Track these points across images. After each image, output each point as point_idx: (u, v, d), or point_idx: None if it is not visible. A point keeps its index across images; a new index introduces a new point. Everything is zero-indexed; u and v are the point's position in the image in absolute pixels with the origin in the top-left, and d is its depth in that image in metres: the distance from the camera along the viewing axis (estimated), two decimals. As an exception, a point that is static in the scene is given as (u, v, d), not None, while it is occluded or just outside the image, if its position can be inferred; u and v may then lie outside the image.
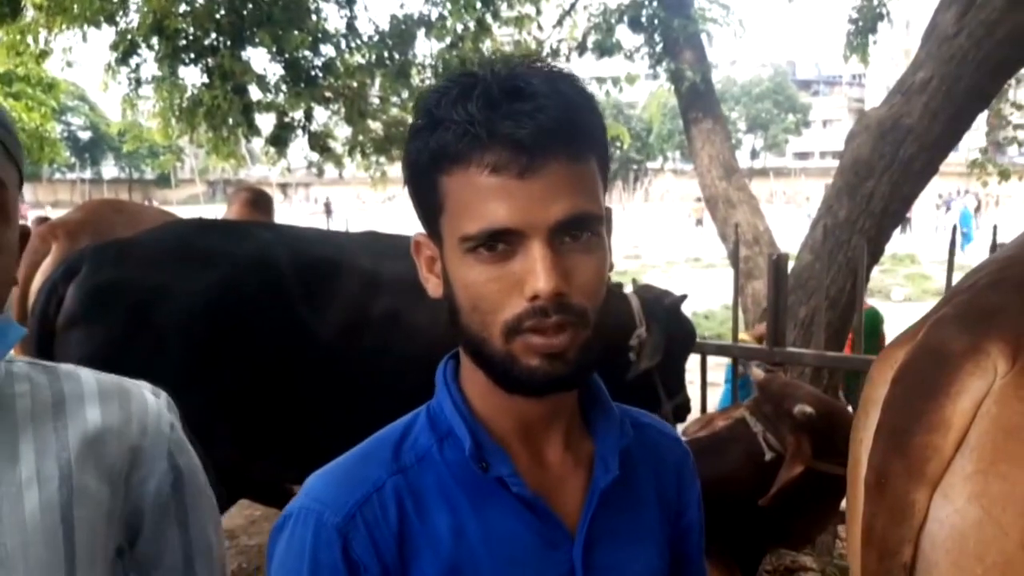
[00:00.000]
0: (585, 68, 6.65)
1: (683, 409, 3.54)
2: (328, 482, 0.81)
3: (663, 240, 25.78)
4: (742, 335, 4.39)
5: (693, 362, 3.94)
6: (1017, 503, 0.89)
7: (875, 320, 5.06)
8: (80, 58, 6.73)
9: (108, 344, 2.13)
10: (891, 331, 7.24)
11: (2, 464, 0.81)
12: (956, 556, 0.94)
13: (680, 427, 3.74)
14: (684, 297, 3.52)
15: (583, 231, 0.76)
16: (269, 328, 2.30)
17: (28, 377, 0.87)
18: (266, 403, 2.30)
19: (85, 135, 44.34)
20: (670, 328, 3.30)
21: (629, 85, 6.21)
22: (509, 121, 0.73)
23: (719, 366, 5.03)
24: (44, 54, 6.26)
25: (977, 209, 28.47)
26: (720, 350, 4.05)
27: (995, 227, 3.35)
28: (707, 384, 3.96)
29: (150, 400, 0.95)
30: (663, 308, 3.33)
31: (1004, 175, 6.32)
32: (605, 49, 5.98)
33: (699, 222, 28.80)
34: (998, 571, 0.90)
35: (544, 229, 0.73)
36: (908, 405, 0.99)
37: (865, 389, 1.16)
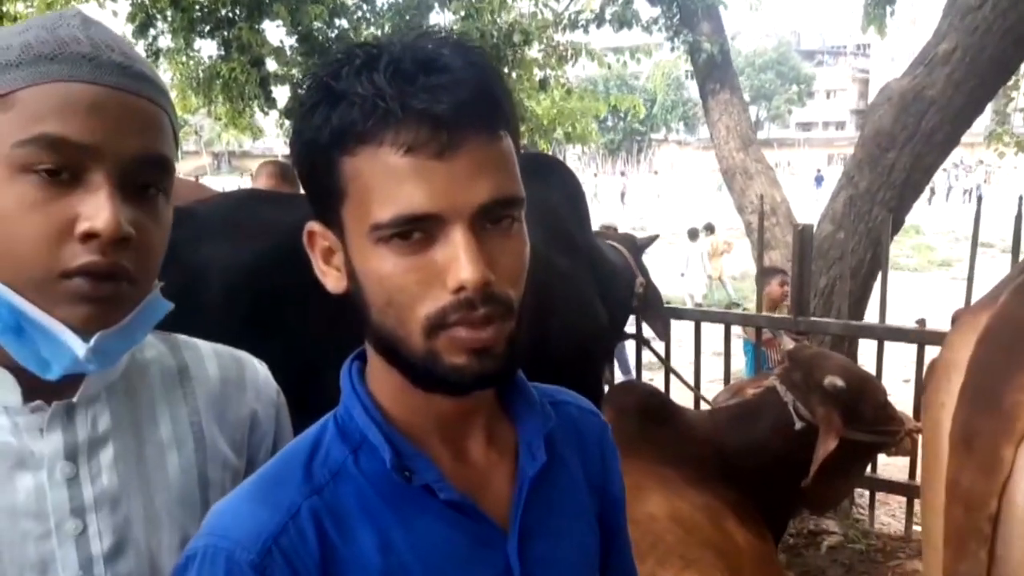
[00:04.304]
0: (602, 39, 6.63)
1: None
2: (236, 515, 0.72)
3: (668, 212, 25.75)
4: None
5: (716, 331, 4.01)
6: (1106, 456, 0.94)
7: None
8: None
9: None
10: (901, 300, 7.29)
11: (146, 426, 0.84)
12: None
13: (712, 395, 3.81)
14: (656, 237, 3.77)
15: (505, 215, 0.70)
16: (318, 299, 2.33)
17: (154, 345, 0.90)
18: (318, 374, 2.34)
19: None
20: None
21: (647, 57, 6.20)
22: (425, 95, 0.65)
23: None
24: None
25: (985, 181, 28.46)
26: (745, 320, 4.11)
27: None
28: (731, 354, 4.01)
29: (259, 367, 0.98)
30: (641, 252, 3.50)
31: (1021, 146, 6.34)
32: (623, 21, 5.95)
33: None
34: None
35: (467, 214, 0.66)
36: (996, 365, 1.04)
37: (942, 354, 1.21)
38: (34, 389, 0.76)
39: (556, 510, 0.82)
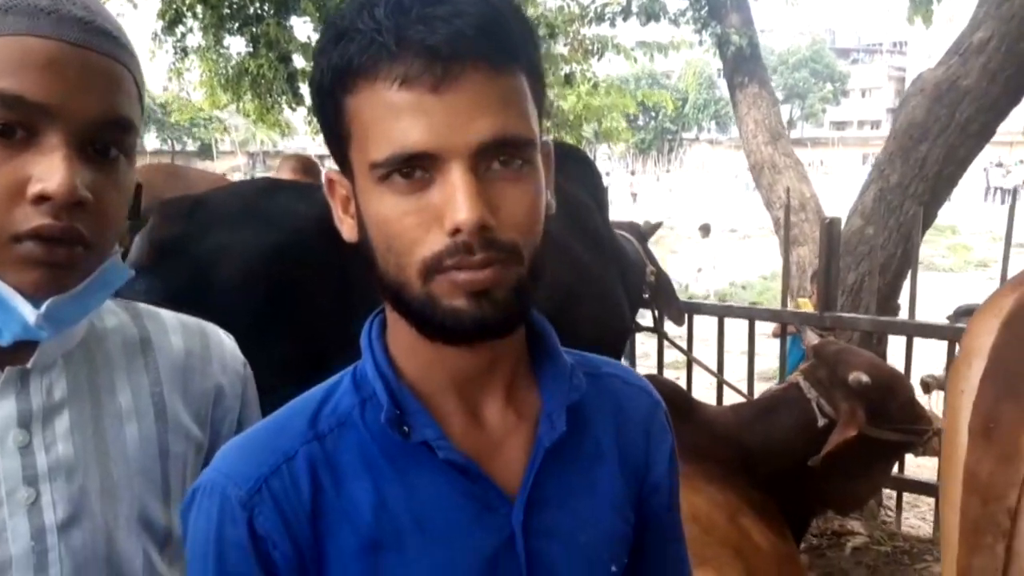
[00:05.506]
0: (630, 33, 6.57)
1: None
2: (237, 453, 0.73)
3: (699, 210, 25.52)
4: (801, 301, 4.38)
5: (740, 328, 3.93)
6: None
7: None
8: (125, 28, 6.75)
9: (170, 299, 2.14)
10: (937, 300, 7.15)
11: (105, 395, 0.82)
12: None
13: (736, 396, 3.75)
14: (660, 224, 3.82)
15: (513, 157, 0.66)
16: (333, 289, 2.32)
17: (115, 313, 0.89)
18: (331, 362, 2.32)
19: (127, 107, 44.72)
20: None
21: (675, 52, 6.14)
22: (421, 26, 0.63)
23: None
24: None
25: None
26: (771, 315, 4.03)
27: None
28: (755, 350, 3.93)
29: (225, 339, 0.97)
30: (647, 240, 3.51)
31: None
32: (651, 13, 5.89)
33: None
34: None
35: (465, 152, 0.64)
36: (1021, 349, 0.98)
37: (965, 340, 1.14)
38: None
39: (574, 485, 0.78)
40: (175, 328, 0.91)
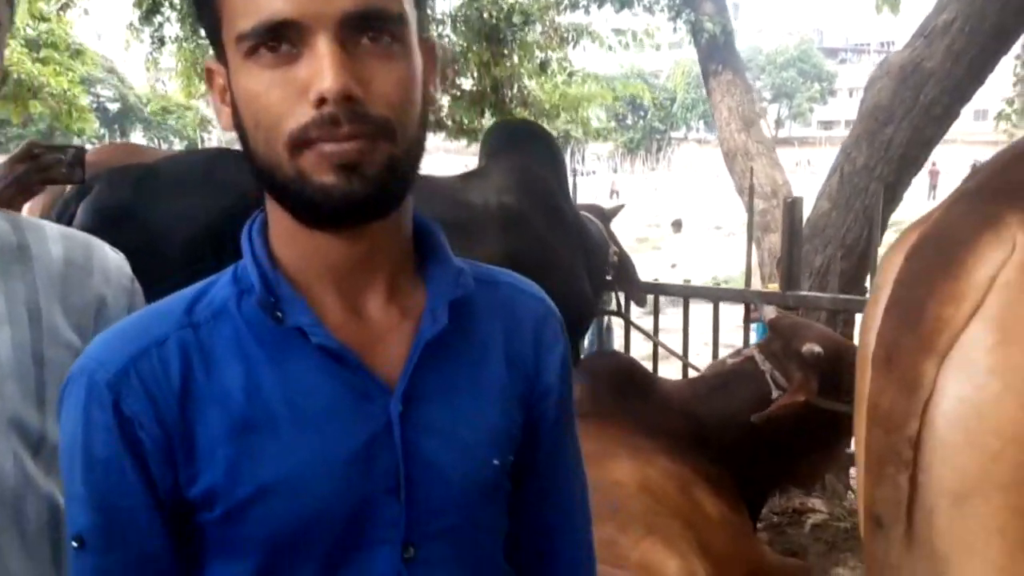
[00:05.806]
0: (605, 21, 6.56)
1: None
2: (109, 341, 0.73)
3: (684, 208, 25.55)
4: (771, 286, 4.37)
5: (705, 311, 3.91)
6: (1043, 374, 0.86)
7: None
8: (106, 26, 6.77)
9: None
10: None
11: None
12: (973, 432, 0.91)
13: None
14: (623, 206, 3.85)
15: (382, 33, 0.67)
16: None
17: None
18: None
19: (114, 106, 44.52)
20: None
21: (650, 39, 6.13)
22: None
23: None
24: (65, 7, 6.30)
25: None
26: (736, 295, 4.02)
27: None
28: (719, 330, 3.90)
29: (111, 253, 0.96)
30: (609, 221, 3.53)
31: (1031, 127, 6.19)
32: (624, 1, 5.90)
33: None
34: (1017, 446, 0.88)
35: (330, 22, 0.64)
36: (920, 279, 0.97)
37: (876, 279, 1.14)
38: None
39: (457, 381, 0.79)
40: (55, 238, 0.90)
